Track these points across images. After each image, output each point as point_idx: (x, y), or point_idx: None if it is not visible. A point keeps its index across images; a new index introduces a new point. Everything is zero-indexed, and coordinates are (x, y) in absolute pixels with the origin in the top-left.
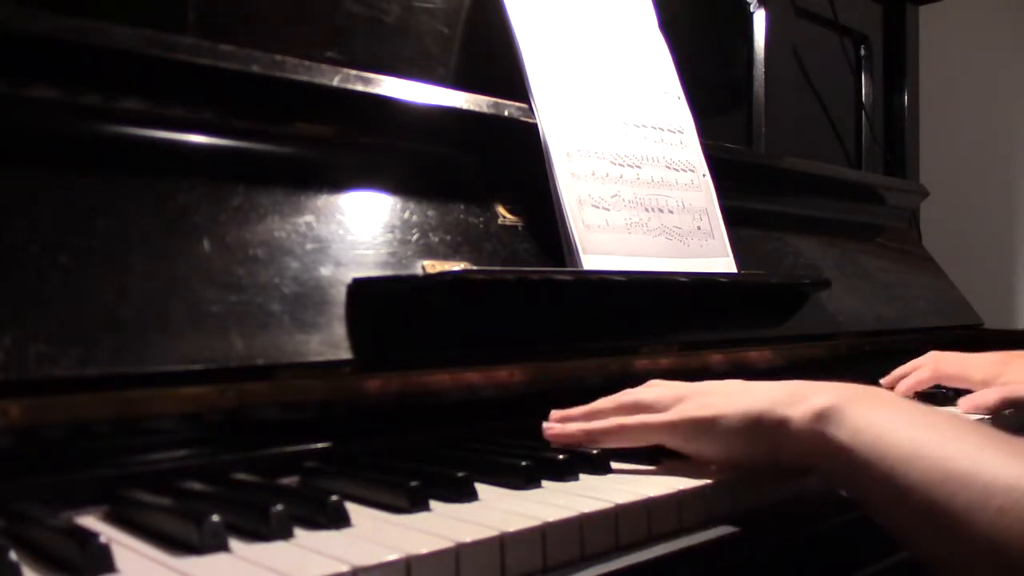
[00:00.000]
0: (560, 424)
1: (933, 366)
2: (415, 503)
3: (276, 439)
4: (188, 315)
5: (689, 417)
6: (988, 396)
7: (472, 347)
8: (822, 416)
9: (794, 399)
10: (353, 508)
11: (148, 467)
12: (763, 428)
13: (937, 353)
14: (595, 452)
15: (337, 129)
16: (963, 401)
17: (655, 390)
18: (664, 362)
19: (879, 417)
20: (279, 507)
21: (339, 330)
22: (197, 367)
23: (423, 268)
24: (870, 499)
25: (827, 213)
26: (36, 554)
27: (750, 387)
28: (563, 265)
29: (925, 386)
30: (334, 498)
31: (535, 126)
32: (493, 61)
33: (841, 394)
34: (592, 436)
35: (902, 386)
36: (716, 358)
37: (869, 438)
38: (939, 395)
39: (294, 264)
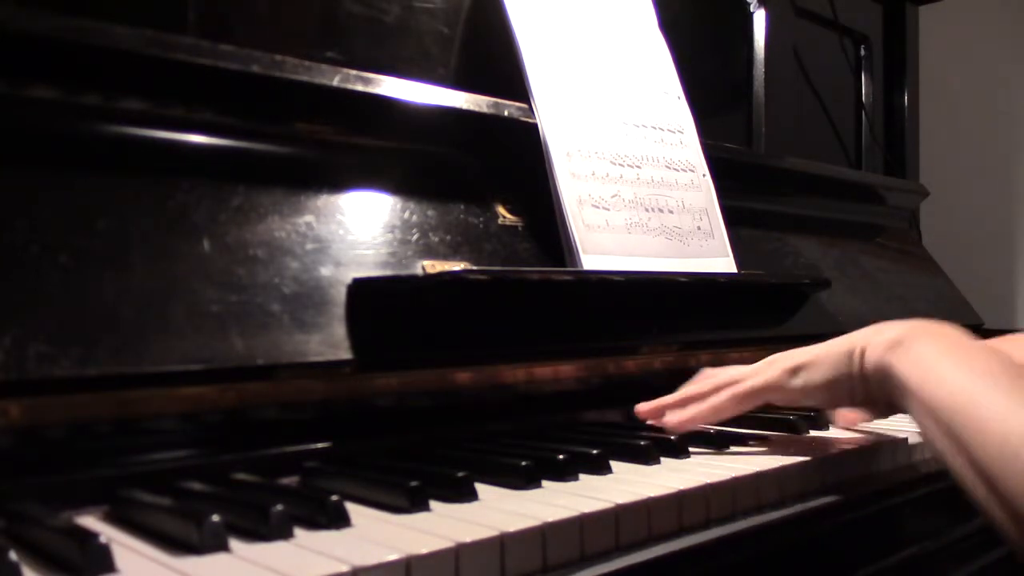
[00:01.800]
0: (674, 413)
1: None
2: (415, 503)
3: (276, 439)
4: (188, 315)
5: (791, 365)
6: None
7: (472, 347)
8: (893, 346)
9: (876, 331)
10: (353, 508)
11: (148, 467)
12: (852, 360)
13: None
14: (595, 452)
15: (337, 129)
16: None
17: (739, 368)
18: (664, 362)
19: (933, 354)
20: (279, 507)
21: (339, 330)
22: (197, 367)
23: (423, 268)
24: (923, 426)
25: (827, 213)
26: (36, 554)
27: (831, 340)
28: (563, 265)
29: None
30: (334, 498)
31: (535, 126)
32: (493, 61)
33: (912, 328)
34: (716, 410)
35: None
36: (717, 358)
37: (919, 369)
38: None
39: (294, 264)
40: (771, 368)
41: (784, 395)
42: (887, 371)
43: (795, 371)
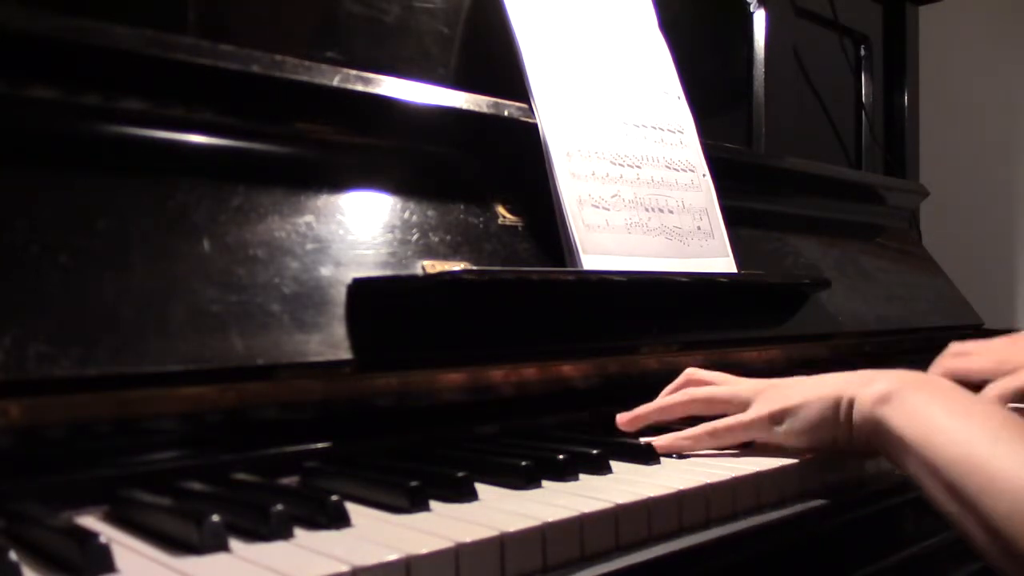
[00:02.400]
0: (661, 438)
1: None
2: (415, 503)
3: (276, 439)
4: (188, 315)
5: (775, 409)
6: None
7: (472, 347)
8: (883, 399)
9: (863, 381)
10: (353, 508)
11: (148, 467)
12: (839, 409)
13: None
14: (595, 452)
15: (337, 129)
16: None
17: (727, 387)
18: (664, 362)
19: (935, 409)
20: (279, 507)
21: (339, 330)
22: (197, 367)
23: (423, 268)
24: (916, 476)
25: (827, 213)
26: (36, 554)
27: (820, 377)
28: (563, 265)
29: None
30: (334, 498)
31: (535, 126)
32: (493, 61)
33: (902, 380)
34: (692, 443)
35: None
36: (716, 358)
37: (918, 424)
38: None
39: (294, 264)
40: (755, 409)
41: (764, 437)
42: (879, 426)
43: (779, 417)
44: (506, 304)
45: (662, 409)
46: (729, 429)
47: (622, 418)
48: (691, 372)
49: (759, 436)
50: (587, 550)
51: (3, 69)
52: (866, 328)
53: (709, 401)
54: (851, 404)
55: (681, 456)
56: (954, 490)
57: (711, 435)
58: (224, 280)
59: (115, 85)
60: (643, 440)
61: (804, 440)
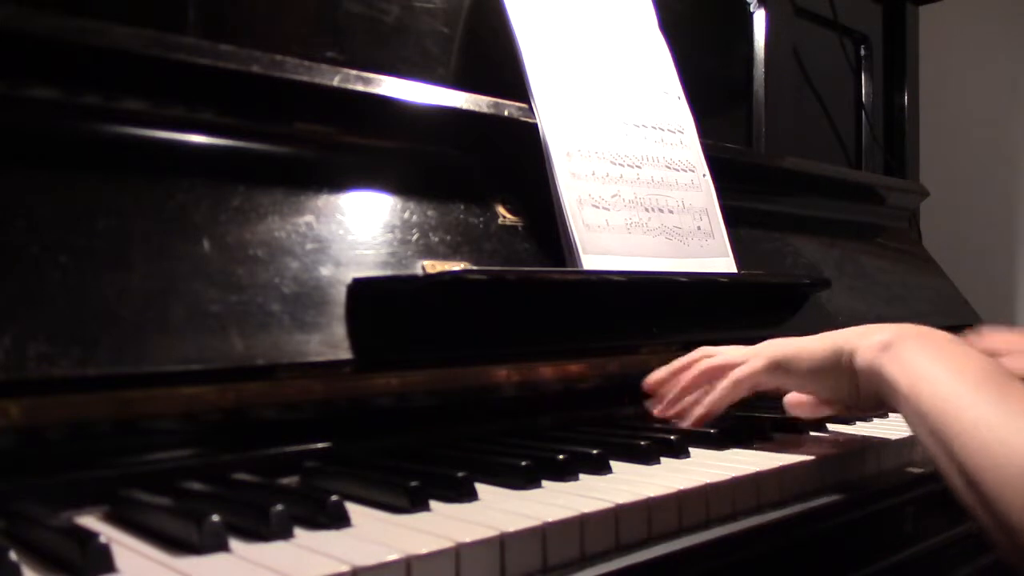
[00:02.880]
0: (684, 420)
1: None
2: (415, 503)
3: (276, 439)
4: (188, 315)
5: (778, 354)
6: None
7: (472, 347)
8: (881, 349)
9: (862, 334)
10: (353, 508)
11: (148, 467)
12: (840, 358)
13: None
14: (595, 452)
15: (337, 129)
16: None
17: (727, 352)
18: (665, 361)
19: (923, 359)
20: (279, 507)
21: (339, 330)
22: (197, 367)
23: (423, 268)
24: (915, 428)
25: (827, 213)
26: (36, 554)
27: (822, 333)
28: (563, 265)
29: None
30: (334, 498)
31: (535, 126)
32: (493, 61)
33: (900, 331)
34: (713, 407)
35: None
36: None
37: (908, 373)
38: None
39: (294, 264)
40: (757, 358)
41: (769, 381)
42: (878, 373)
43: (781, 362)
44: (506, 304)
45: (676, 370)
46: (739, 381)
47: (648, 380)
48: (704, 361)
49: (763, 383)
50: (587, 550)
51: (3, 69)
52: None
53: (722, 366)
54: (851, 355)
55: (681, 456)
56: (936, 435)
57: (725, 392)
58: (224, 280)
59: (115, 85)
60: (674, 419)
61: (809, 383)
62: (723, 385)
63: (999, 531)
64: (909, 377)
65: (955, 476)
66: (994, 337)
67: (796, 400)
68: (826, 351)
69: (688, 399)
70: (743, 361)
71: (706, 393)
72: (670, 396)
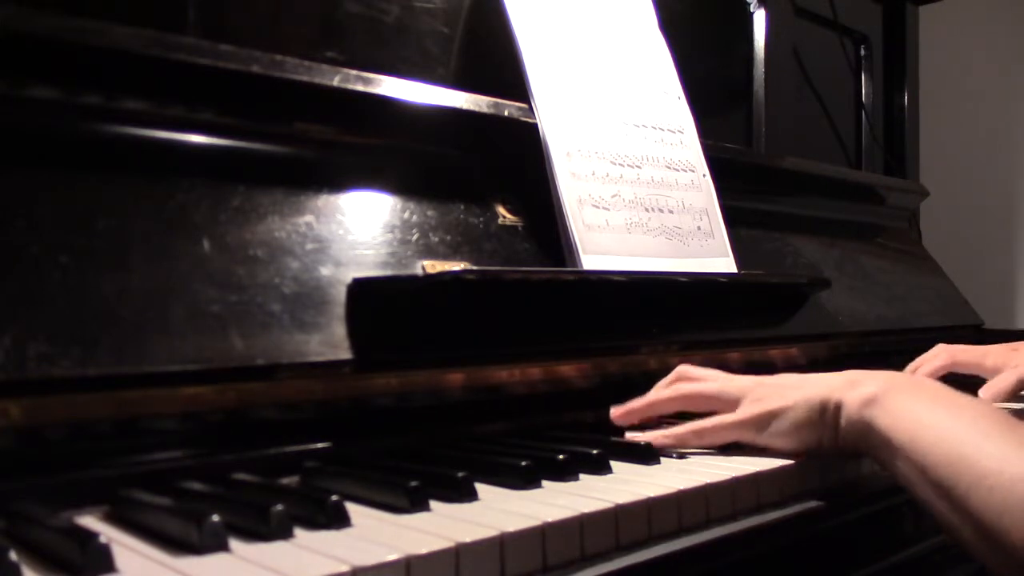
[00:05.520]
0: (655, 433)
1: (947, 354)
2: (415, 503)
3: (276, 439)
4: (188, 315)
5: (761, 412)
6: (1006, 379)
7: (472, 347)
8: (869, 402)
9: (848, 384)
10: (353, 508)
11: (148, 467)
12: (825, 413)
13: (946, 345)
14: (595, 452)
15: (337, 129)
16: (983, 390)
17: (715, 384)
18: (664, 362)
19: (916, 407)
20: (279, 507)
21: (339, 330)
22: (197, 367)
23: (423, 268)
24: (905, 478)
25: (827, 213)
26: (36, 554)
27: (807, 378)
28: (563, 265)
29: (940, 373)
30: (334, 498)
31: (535, 126)
32: (493, 61)
33: (888, 382)
34: (674, 441)
35: (919, 373)
36: (716, 358)
37: (905, 425)
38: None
39: (294, 264)
40: (741, 411)
41: (749, 439)
42: (866, 428)
43: (766, 421)
44: (506, 304)
45: (651, 404)
46: (715, 429)
47: (615, 412)
48: (682, 369)
49: (744, 437)
50: (587, 550)
51: (3, 69)
52: (866, 328)
53: (698, 398)
54: (838, 407)
55: (681, 456)
56: (943, 488)
57: (696, 435)
58: (224, 280)
59: (115, 85)
60: (628, 435)
61: (789, 442)
62: (703, 427)
63: None
64: (906, 429)
65: (966, 527)
66: (917, 361)
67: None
68: (815, 403)
69: (654, 416)
70: (724, 395)
71: (678, 421)
72: (636, 405)
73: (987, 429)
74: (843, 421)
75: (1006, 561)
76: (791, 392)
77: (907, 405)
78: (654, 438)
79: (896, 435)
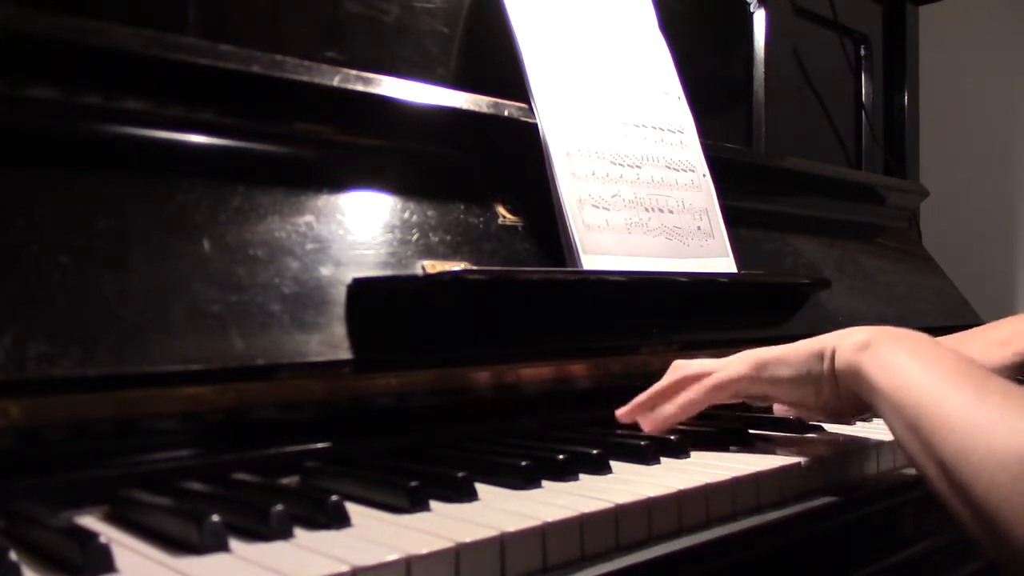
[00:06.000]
0: (646, 417)
1: None
2: (415, 503)
3: (276, 439)
4: (188, 315)
5: (760, 359)
6: None
7: (472, 347)
8: (861, 347)
9: (844, 333)
10: (353, 508)
11: (148, 467)
12: (822, 359)
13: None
14: (595, 452)
15: (337, 129)
16: None
17: (706, 361)
18: (664, 362)
19: (901, 357)
20: (279, 507)
21: (339, 330)
22: (197, 367)
23: (423, 268)
24: (892, 425)
25: (827, 213)
26: (36, 554)
27: (801, 340)
28: (563, 265)
29: None
30: (334, 498)
31: (535, 126)
32: (493, 61)
33: (879, 331)
34: (685, 408)
35: None
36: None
37: (891, 373)
38: None
39: (294, 264)
40: (739, 362)
41: (751, 388)
42: (856, 372)
43: (763, 366)
44: (506, 304)
45: (653, 396)
46: (717, 385)
47: (620, 412)
48: (678, 363)
49: (744, 389)
50: (587, 550)
51: (3, 69)
52: None
53: (699, 374)
54: (833, 354)
55: (681, 456)
56: (913, 430)
57: (700, 393)
58: (224, 280)
59: (115, 85)
60: (641, 422)
61: (787, 389)
62: (702, 385)
63: (974, 521)
64: (887, 373)
65: (931, 468)
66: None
67: (783, 411)
68: (807, 355)
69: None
70: (723, 367)
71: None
72: (639, 399)
73: (956, 378)
74: (838, 364)
75: (962, 498)
76: (787, 347)
77: (890, 352)
78: (656, 414)
79: (879, 378)
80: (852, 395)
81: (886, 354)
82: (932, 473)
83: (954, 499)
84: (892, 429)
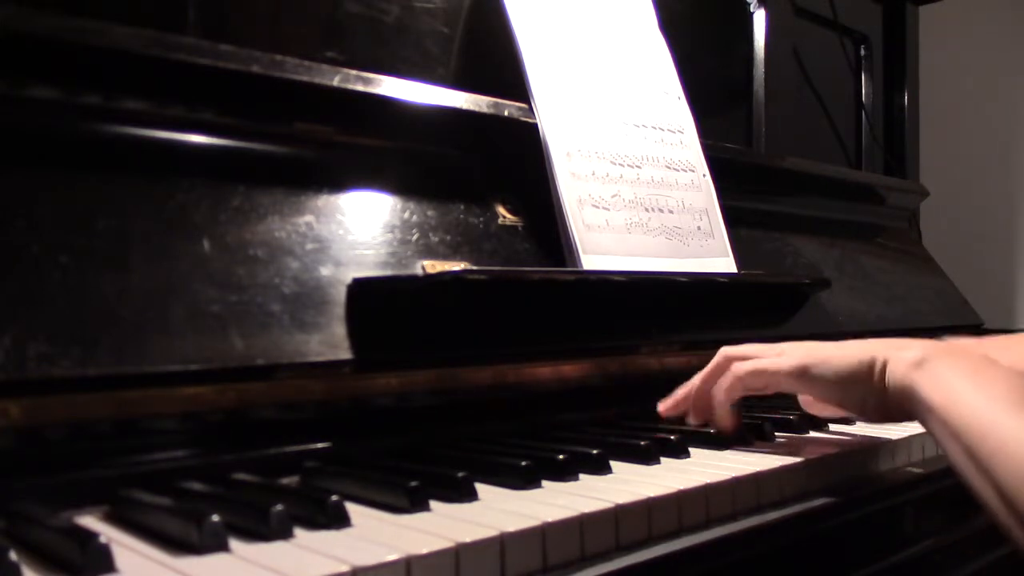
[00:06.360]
0: (697, 406)
1: None
2: (415, 503)
3: (276, 439)
4: (188, 315)
5: (809, 357)
6: None
7: (472, 347)
8: (916, 364)
9: (898, 346)
10: (353, 508)
11: (148, 467)
12: (872, 369)
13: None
14: (595, 452)
15: (337, 129)
16: None
17: (754, 346)
18: (664, 362)
19: (958, 378)
20: (279, 507)
21: (339, 330)
22: (197, 367)
23: (423, 268)
24: (946, 447)
25: (827, 213)
26: (36, 554)
27: (857, 340)
28: (563, 265)
29: None
30: (334, 498)
31: (535, 126)
32: (493, 61)
33: (933, 348)
34: (727, 394)
35: None
36: None
37: (947, 394)
38: None
39: (294, 264)
40: (787, 357)
41: (788, 385)
42: (911, 391)
43: (808, 367)
44: (506, 304)
45: (700, 381)
46: (754, 371)
47: (663, 406)
48: (726, 349)
49: (790, 384)
50: (587, 550)
51: (3, 69)
52: (866, 328)
53: (742, 356)
54: (884, 365)
55: (681, 456)
56: (970, 453)
57: (741, 378)
58: (224, 280)
59: (115, 85)
60: (689, 418)
61: (834, 392)
62: (743, 367)
63: None
64: (944, 395)
65: (990, 493)
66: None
67: (811, 401)
68: (857, 361)
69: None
70: (769, 355)
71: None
72: (680, 392)
73: (1014, 403)
74: (889, 379)
75: (1021, 524)
76: (840, 347)
77: (945, 372)
78: (707, 403)
79: (934, 399)
80: (899, 408)
81: (942, 373)
82: (991, 499)
83: (1016, 526)
84: (947, 451)
